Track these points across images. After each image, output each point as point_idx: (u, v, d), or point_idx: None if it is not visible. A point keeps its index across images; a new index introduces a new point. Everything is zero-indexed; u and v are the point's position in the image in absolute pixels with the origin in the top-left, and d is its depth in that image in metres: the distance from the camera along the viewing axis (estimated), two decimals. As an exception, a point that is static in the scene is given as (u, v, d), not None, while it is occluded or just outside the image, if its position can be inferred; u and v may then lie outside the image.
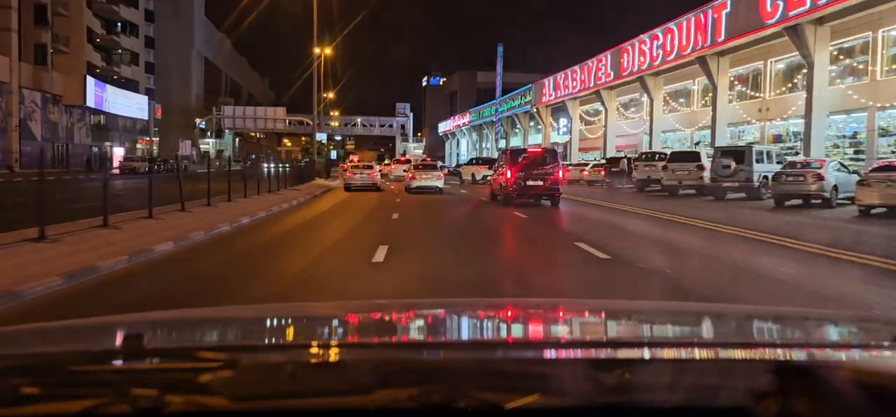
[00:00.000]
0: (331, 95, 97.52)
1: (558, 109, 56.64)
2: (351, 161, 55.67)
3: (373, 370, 1.06)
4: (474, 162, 46.48)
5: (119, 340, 1.22)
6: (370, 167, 33.58)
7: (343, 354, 1.23)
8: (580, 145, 52.45)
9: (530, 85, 60.29)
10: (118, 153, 61.64)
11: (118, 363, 1.13)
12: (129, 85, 68.01)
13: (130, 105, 66.69)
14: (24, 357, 1.23)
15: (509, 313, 1.99)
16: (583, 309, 2.20)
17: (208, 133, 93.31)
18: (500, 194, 22.10)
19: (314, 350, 1.30)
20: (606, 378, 1.03)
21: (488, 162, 38.33)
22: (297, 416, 0.98)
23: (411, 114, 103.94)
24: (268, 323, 1.80)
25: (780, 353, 1.27)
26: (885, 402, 0.95)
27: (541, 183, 20.86)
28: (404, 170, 37.01)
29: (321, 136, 75.04)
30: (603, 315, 2.02)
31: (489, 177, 28.00)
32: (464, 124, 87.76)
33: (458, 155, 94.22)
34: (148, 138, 77.58)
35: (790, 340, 1.59)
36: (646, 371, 1.11)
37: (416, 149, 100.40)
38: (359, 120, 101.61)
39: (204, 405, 0.96)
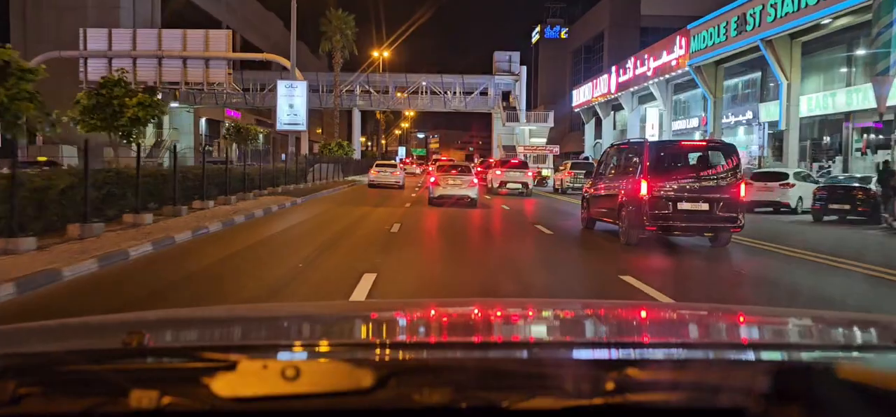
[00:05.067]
0: (385, 54, 50.08)
1: None
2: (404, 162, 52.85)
3: (372, 370, 1.05)
4: None
5: (119, 339, 1.17)
6: (393, 166, 31.53)
7: (343, 354, 1.22)
8: None
9: None
10: None
11: (118, 362, 1.11)
12: None
13: None
14: (23, 356, 1.20)
15: (509, 313, 1.96)
16: (583, 310, 2.13)
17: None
18: (616, 219, 11.47)
19: (314, 350, 1.28)
20: (606, 379, 1.03)
21: None
22: (296, 416, 0.98)
23: (523, 69, 54.75)
24: (268, 322, 1.76)
25: (780, 355, 1.27)
26: (885, 405, 0.94)
27: (704, 205, 10.44)
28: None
29: (292, 91, 27.52)
30: (603, 315, 1.98)
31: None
32: (653, 73, 37.48)
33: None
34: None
35: (790, 342, 1.59)
36: (645, 372, 1.10)
37: (536, 138, 51.09)
38: (424, 82, 53.28)
39: (204, 404, 0.96)
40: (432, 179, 20.56)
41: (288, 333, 1.65)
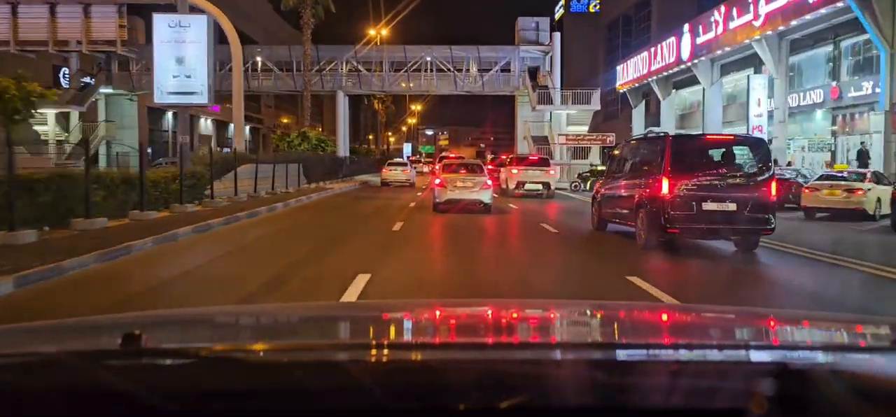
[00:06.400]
0: (382, 31, 38.60)
1: None
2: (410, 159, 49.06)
3: (371, 370, 1.06)
4: None
5: (118, 340, 1.16)
6: (404, 164, 32.97)
7: (341, 354, 1.23)
8: None
9: None
10: None
11: (117, 362, 1.10)
12: None
13: None
14: (21, 356, 1.20)
15: (507, 313, 1.93)
16: (581, 310, 2.13)
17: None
18: (633, 220, 10.71)
19: (312, 350, 1.28)
20: (603, 380, 1.05)
21: None
22: (296, 416, 0.98)
23: (556, 38, 43.05)
24: (267, 323, 1.77)
25: (778, 355, 1.26)
26: (886, 406, 0.95)
27: (731, 206, 9.65)
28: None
29: (181, 34, 15.31)
30: (601, 316, 1.98)
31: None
32: (765, 21, 25.21)
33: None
34: None
35: (789, 342, 1.59)
36: (643, 373, 1.11)
37: (575, 125, 39.23)
38: (428, 57, 41.56)
39: (202, 405, 0.96)
40: (437, 181, 17.18)
41: (286, 333, 1.64)
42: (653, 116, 43.15)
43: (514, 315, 1.91)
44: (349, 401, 0.96)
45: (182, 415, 0.95)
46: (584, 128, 38.61)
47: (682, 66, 33.74)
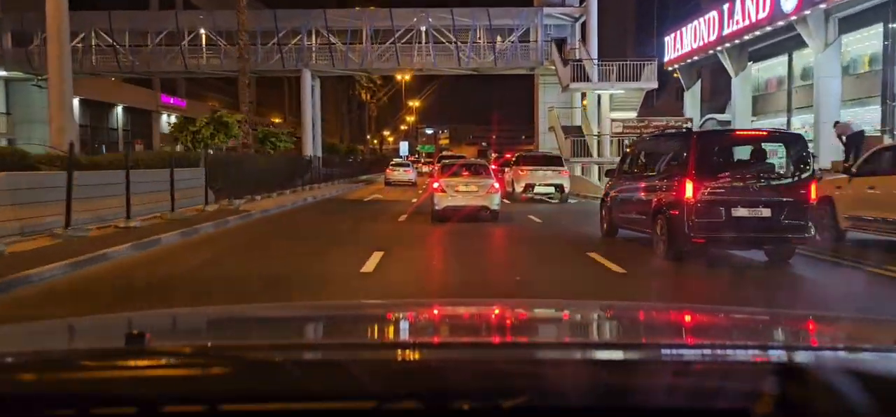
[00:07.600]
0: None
1: None
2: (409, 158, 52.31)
3: (372, 370, 1.07)
4: None
5: (120, 339, 1.17)
6: (407, 165, 35.12)
7: (342, 354, 1.22)
8: None
9: None
10: None
11: (119, 361, 1.11)
12: None
13: None
14: (25, 355, 1.21)
15: (508, 313, 1.93)
16: (582, 310, 2.14)
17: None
18: (650, 227, 9.82)
19: (314, 350, 1.30)
20: (605, 379, 1.05)
21: None
22: (296, 416, 0.98)
23: (591, -3, 32.97)
24: (268, 322, 1.76)
25: (780, 355, 1.26)
26: (886, 405, 0.95)
27: (765, 212, 8.69)
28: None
29: None
30: (602, 315, 1.98)
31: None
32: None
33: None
34: None
35: (791, 342, 1.57)
36: (645, 373, 1.11)
37: (620, 111, 29.12)
38: (423, 27, 31.59)
39: (204, 404, 0.96)
40: (436, 184, 14.90)
41: (288, 333, 1.63)
42: (708, 102, 33.49)
43: (517, 314, 1.89)
44: (350, 401, 0.96)
45: (183, 415, 0.95)
46: (632, 114, 28.76)
47: (779, 24, 23.84)
